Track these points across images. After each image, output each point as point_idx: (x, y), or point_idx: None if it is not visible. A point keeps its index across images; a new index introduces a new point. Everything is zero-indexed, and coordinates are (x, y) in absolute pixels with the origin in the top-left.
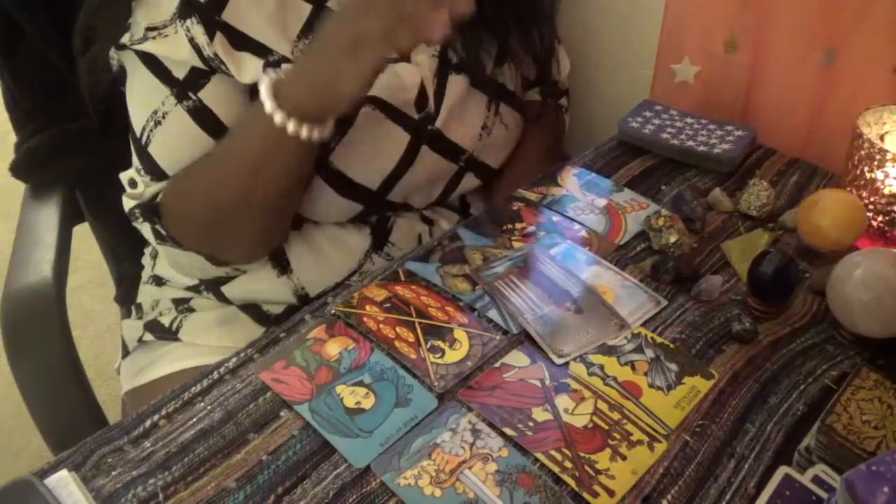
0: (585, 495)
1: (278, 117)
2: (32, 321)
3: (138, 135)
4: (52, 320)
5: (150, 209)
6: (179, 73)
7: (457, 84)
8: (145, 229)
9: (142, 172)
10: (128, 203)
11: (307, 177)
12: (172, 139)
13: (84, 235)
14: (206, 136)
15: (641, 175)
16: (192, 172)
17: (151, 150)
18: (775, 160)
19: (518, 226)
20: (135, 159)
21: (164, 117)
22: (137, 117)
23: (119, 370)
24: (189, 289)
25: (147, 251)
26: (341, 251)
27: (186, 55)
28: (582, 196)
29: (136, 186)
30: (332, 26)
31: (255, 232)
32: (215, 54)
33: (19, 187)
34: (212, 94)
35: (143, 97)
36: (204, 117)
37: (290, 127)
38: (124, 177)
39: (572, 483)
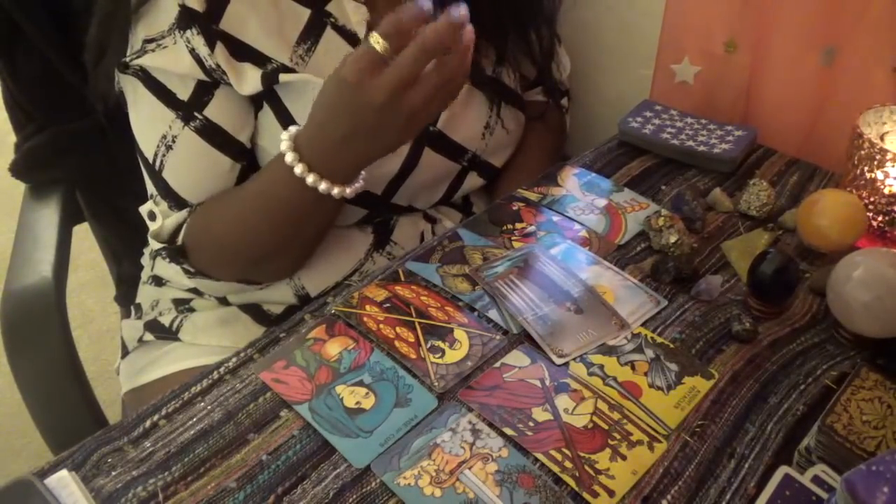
0: (585, 495)
1: (299, 169)
2: (32, 321)
3: (150, 161)
4: (52, 320)
5: (176, 252)
6: (183, 94)
7: None
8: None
9: (157, 199)
10: (154, 245)
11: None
12: (186, 162)
13: (84, 235)
14: (218, 153)
15: (641, 175)
16: (218, 226)
17: (166, 175)
18: (775, 160)
19: (518, 226)
20: (150, 186)
21: (174, 141)
22: (147, 143)
23: (119, 370)
24: (189, 289)
25: (147, 251)
26: (343, 251)
27: (187, 67)
28: (582, 196)
29: (154, 219)
30: (355, 113)
31: (294, 262)
32: (217, 65)
33: (19, 187)
34: (217, 110)
35: (150, 123)
36: (213, 134)
37: (310, 179)
38: (143, 210)
39: (572, 483)
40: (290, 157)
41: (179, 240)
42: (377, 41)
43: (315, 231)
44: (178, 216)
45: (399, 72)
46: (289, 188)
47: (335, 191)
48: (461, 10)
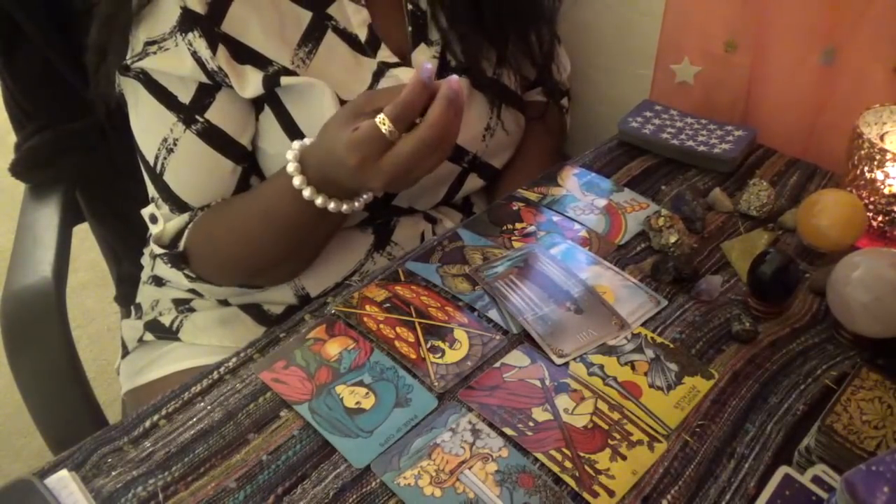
0: (585, 495)
1: (307, 192)
2: (32, 321)
3: (151, 164)
4: (52, 320)
5: (177, 258)
6: (184, 97)
7: None
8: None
9: (159, 203)
10: (156, 249)
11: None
12: (187, 165)
13: (84, 235)
14: (220, 156)
15: (641, 175)
16: (221, 236)
17: (167, 178)
18: (775, 160)
19: (518, 226)
20: (150, 189)
21: (175, 144)
22: (148, 146)
23: (119, 370)
24: (190, 289)
25: (147, 251)
26: (343, 251)
27: (189, 69)
28: (582, 196)
29: (156, 222)
30: (356, 187)
31: (297, 269)
32: (219, 67)
33: (19, 187)
34: (219, 113)
35: (151, 125)
36: (214, 137)
37: (319, 201)
38: (145, 213)
39: (572, 483)
40: (298, 181)
41: (181, 246)
42: (384, 123)
43: (320, 241)
44: (179, 221)
45: (398, 161)
46: (297, 206)
47: (344, 207)
48: (453, 84)
